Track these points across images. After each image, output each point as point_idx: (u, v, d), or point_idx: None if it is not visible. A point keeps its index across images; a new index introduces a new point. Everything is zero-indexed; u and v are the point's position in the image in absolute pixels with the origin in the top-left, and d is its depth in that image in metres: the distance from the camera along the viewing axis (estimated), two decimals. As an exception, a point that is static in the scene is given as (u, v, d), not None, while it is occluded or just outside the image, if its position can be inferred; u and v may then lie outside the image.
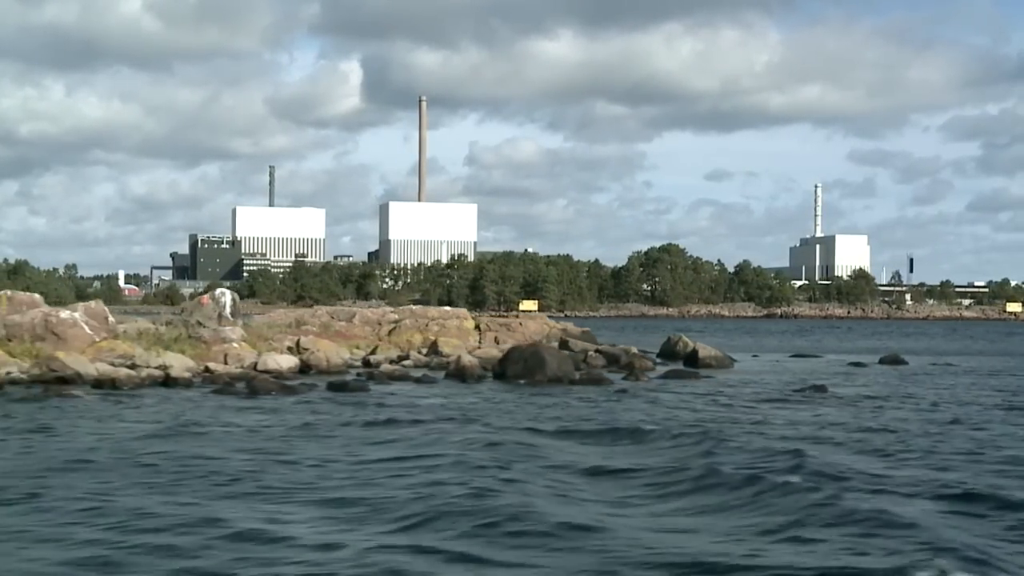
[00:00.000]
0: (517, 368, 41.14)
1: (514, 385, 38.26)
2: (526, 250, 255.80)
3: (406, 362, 47.83)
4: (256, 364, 41.49)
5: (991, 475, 18.30)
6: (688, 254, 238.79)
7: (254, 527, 13.75)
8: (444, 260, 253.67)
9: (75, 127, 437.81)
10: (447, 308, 68.10)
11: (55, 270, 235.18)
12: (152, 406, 29.72)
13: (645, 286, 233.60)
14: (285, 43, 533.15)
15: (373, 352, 49.54)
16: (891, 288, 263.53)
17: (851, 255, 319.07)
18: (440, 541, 13.14)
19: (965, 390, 38.25)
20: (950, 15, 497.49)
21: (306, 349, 45.78)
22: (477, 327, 60.40)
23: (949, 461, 19.94)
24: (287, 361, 42.58)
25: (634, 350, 53.11)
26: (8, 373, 33.90)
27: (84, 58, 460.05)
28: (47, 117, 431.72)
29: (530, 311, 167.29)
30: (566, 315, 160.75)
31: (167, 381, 36.26)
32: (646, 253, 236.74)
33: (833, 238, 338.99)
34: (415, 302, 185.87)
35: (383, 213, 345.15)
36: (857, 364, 54.03)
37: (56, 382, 33.78)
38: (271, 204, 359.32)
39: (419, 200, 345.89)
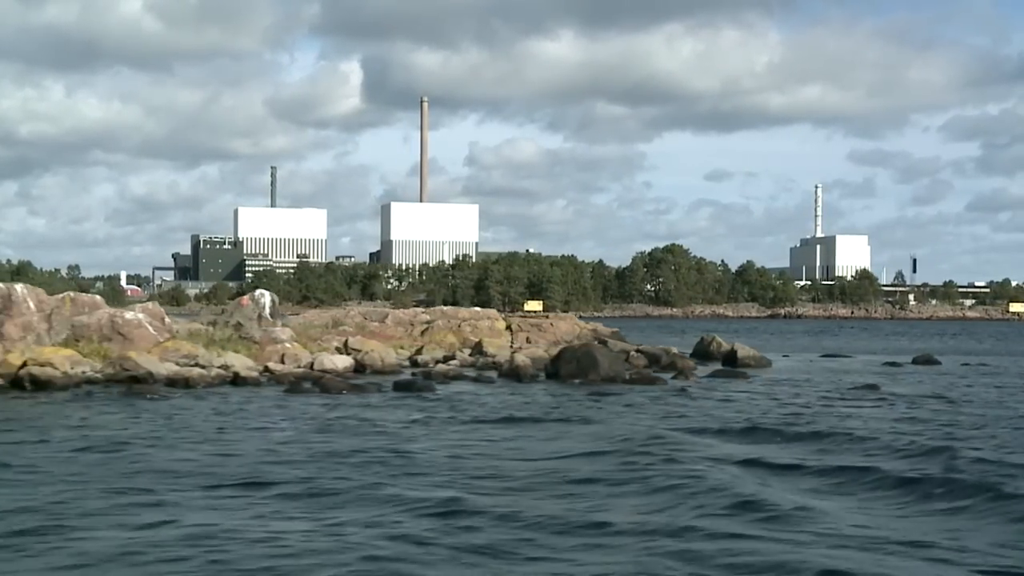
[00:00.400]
0: (570, 368, 41.74)
1: (570, 384, 38.80)
2: (527, 250, 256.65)
3: (452, 362, 48.38)
4: (312, 364, 42.07)
5: None
6: (692, 254, 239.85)
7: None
8: (446, 261, 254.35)
9: (75, 128, 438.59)
10: (477, 309, 68.58)
11: (57, 271, 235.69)
12: (256, 404, 30.42)
13: (649, 286, 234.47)
14: (286, 43, 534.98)
15: (419, 352, 50.10)
16: (894, 288, 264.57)
17: (852, 255, 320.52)
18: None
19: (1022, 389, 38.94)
20: (950, 15, 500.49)
21: (355, 349, 46.35)
22: (508, 327, 61.02)
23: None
24: (343, 361, 43.12)
25: (674, 350, 53.70)
26: (83, 372, 34.51)
27: (84, 59, 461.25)
28: (47, 118, 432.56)
29: (535, 311, 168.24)
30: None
31: (235, 380, 36.87)
32: (650, 254, 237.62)
33: (834, 238, 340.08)
34: (419, 303, 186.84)
35: (385, 214, 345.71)
36: (892, 364, 54.67)
37: (129, 381, 34.37)
38: (273, 205, 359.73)
39: (420, 201, 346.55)
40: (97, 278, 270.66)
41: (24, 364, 33.32)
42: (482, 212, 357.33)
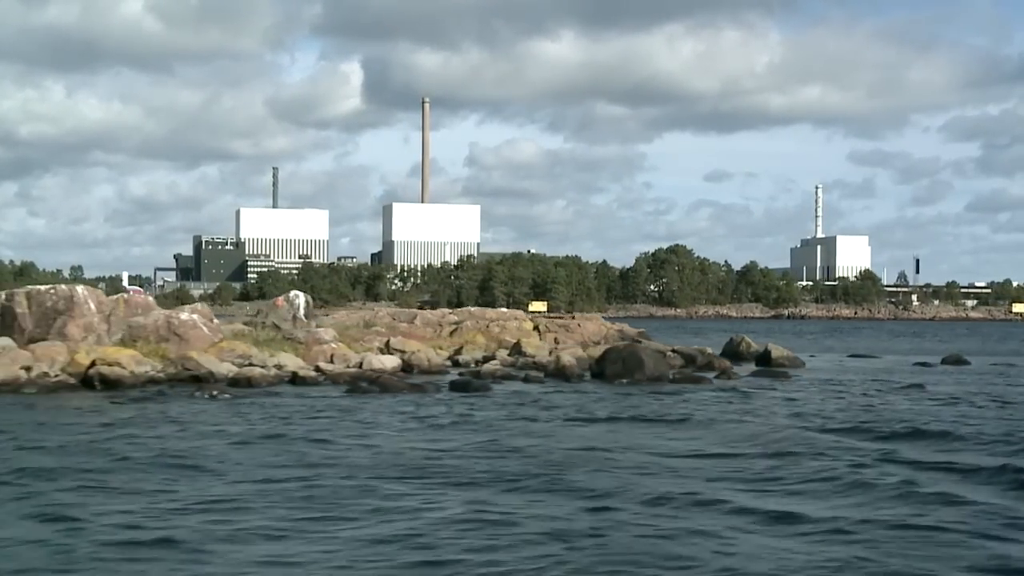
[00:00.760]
0: (616, 368, 42.24)
1: (617, 384, 39.28)
2: (528, 251, 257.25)
3: (492, 362, 48.81)
4: (361, 363, 42.52)
5: None
6: (695, 255, 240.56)
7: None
8: (448, 262, 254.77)
9: (75, 128, 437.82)
10: (504, 310, 69.31)
11: (59, 271, 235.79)
12: (345, 403, 30.97)
13: (652, 287, 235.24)
14: (286, 44, 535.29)
15: (458, 352, 50.57)
16: (896, 289, 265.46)
17: (852, 256, 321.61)
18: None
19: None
20: (951, 16, 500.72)
21: (398, 350, 46.82)
22: (535, 328, 61.55)
23: None
24: (390, 361, 43.56)
25: (709, 350, 54.21)
26: (146, 372, 34.96)
27: (85, 59, 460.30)
28: (47, 118, 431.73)
29: (540, 312, 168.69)
30: (573, 316, 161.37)
31: (294, 380, 37.34)
32: (653, 254, 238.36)
33: (834, 239, 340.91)
34: (424, 303, 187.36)
35: (386, 214, 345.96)
36: (923, 364, 55.19)
37: (191, 381, 34.87)
38: (274, 205, 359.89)
39: (421, 201, 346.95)
40: (99, 279, 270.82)
41: (92, 364, 33.77)
42: (482, 213, 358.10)
